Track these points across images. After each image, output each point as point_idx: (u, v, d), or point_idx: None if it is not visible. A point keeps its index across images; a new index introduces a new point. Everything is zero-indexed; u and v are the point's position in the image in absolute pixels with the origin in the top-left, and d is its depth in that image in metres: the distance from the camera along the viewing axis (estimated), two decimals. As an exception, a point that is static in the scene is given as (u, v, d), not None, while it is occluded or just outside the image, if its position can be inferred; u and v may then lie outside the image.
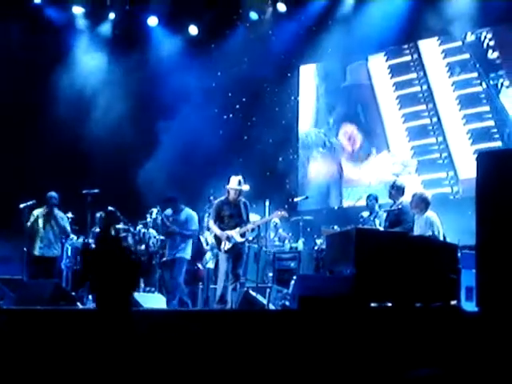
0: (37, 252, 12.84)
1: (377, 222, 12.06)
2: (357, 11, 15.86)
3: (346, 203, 16.42)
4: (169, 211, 12.59)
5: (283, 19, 16.74)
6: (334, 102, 17.12)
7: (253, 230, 11.81)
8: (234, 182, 11.27)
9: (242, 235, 11.18)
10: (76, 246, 13.41)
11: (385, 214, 11.67)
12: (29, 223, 12.84)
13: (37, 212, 12.95)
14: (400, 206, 10.80)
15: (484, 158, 7.53)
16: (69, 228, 13.16)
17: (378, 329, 7.14)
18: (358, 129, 16.55)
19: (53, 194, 12.97)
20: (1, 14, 14.86)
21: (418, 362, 6.67)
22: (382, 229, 11.23)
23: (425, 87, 15.54)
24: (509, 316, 6.33)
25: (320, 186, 16.97)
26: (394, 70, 16.13)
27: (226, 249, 11.05)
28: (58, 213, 13.01)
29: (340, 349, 7.05)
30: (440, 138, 15.17)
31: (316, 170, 17.21)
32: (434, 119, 15.30)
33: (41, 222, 12.90)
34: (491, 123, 14.39)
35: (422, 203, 10.32)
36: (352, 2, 16.02)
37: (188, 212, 12.55)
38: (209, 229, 12.03)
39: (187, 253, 12.37)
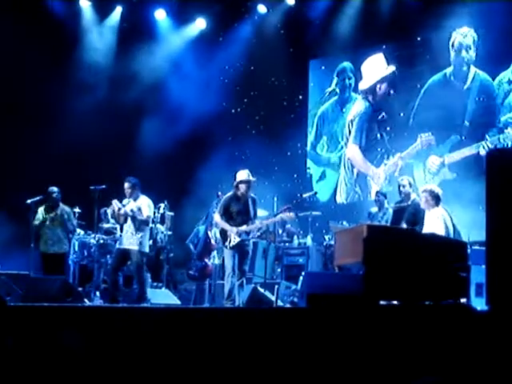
0: (49, 250, 12.66)
1: (384, 218, 12.02)
2: (366, 3, 15.73)
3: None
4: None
5: (292, 12, 16.64)
6: (344, 98, 17.02)
7: (259, 229, 11.69)
8: (244, 175, 11.06)
9: (248, 233, 11.07)
10: (83, 240, 13.37)
11: (391, 210, 11.66)
12: (35, 221, 12.65)
13: (41, 209, 12.73)
14: (414, 204, 10.80)
15: (493, 156, 7.48)
16: (74, 222, 12.96)
17: (387, 327, 7.10)
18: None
19: (54, 188, 12.68)
20: (6, 8, 14.77)
21: (427, 360, 6.62)
22: (389, 225, 11.22)
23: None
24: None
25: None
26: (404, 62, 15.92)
27: (230, 245, 10.95)
28: (63, 207, 12.78)
29: (349, 347, 7.00)
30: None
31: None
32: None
33: (47, 218, 12.67)
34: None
35: (433, 199, 10.26)
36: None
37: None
38: (216, 224, 11.82)
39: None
